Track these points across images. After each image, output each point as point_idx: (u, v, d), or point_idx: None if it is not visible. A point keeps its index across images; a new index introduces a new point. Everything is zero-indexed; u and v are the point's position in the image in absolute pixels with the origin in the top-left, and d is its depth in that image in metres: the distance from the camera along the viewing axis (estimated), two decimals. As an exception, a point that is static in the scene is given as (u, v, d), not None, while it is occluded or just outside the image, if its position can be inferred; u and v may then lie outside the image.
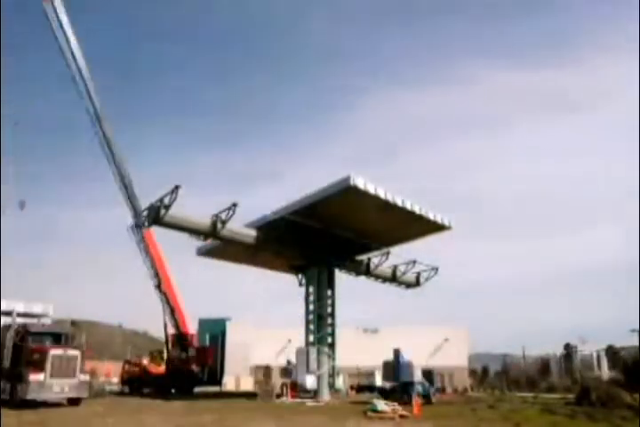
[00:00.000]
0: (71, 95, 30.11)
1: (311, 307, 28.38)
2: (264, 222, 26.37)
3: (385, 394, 22.65)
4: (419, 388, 22.66)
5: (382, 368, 25.74)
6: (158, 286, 31.76)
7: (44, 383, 16.81)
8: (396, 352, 24.70)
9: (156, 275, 31.69)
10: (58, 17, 29.73)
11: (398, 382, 23.24)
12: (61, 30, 29.82)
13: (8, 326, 18.93)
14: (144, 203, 25.88)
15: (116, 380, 35.16)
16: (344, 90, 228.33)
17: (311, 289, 28.70)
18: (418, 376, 23.95)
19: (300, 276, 30.29)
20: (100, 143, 29.98)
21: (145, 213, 23.82)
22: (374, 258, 31.04)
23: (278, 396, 24.52)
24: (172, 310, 32.26)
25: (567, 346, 66.33)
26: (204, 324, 44.72)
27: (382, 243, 30.14)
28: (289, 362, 29.85)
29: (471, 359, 55.89)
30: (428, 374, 24.88)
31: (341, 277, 30.92)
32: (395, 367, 24.08)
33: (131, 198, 30.31)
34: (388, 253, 30.24)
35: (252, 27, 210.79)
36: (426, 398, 22.07)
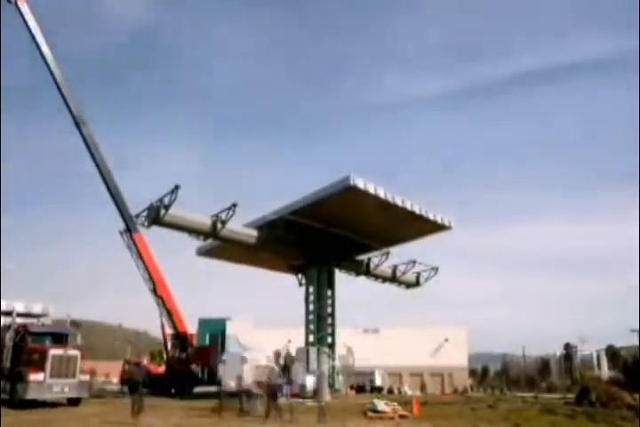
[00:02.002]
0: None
1: (311, 307, 28.35)
2: (264, 222, 26.36)
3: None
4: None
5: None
6: (154, 290, 31.64)
7: (43, 383, 16.79)
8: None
9: (150, 278, 31.55)
10: (26, 21, 29.61)
11: None
12: (31, 34, 29.66)
13: (8, 326, 18.88)
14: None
15: (115, 380, 35.18)
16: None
17: (311, 289, 28.66)
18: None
19: (300, 276, 30.25)
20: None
21: (144, 214, 23.78)
22: (374, 258, 31.01)
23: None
24: (169, 312, 32.13)
25: (567, 346, 66.20)
26: (203, 324, 44.68)
27: (382, 243, 30.11)
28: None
29: (471, 359, 55.82)
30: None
31: (341, 278, 30.91)
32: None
33: (118, 203, 29.98)
34: (387, 253, 30.21)
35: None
36: None
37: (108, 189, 30.07)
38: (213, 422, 14.32)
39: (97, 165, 30.14)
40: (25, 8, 29.89)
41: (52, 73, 29.86)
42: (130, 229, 29.85)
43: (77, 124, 29.81)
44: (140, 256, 31.20)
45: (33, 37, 29.81)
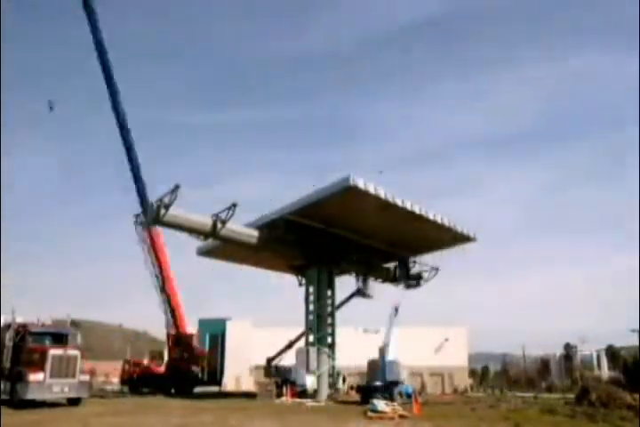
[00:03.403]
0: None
1: (311, 307, 28.31)
2: (264, 222, 26.34)
3: (368, 393, 21.82)
4: (403, 387, 22.08)
5: (367, 367, 25.10)
6: (162, 287, 31.54)
7: (43, 383, 16.80)
8: (381, 351, 24.26)
9: (160, 273, 31.45)
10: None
11: (384, 381, 22.57)
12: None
13: (8, 326, 18.89)
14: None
15: (115, 380, 35.21)
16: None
17: (311, 289, 28.63)
18: (404, 376, 23.36)
19: (299, 276, 30.24)
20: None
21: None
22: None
23: (278, 396, 24.52)
24: (173, 310, 32.15)
25: (567, 346, 66.16)
26: (203, 324, 44.71)
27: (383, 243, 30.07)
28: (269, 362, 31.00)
29: (471, 359, 55.79)
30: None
31: (341, 278, 30.82)
32: (380, 366, 23.47)
33: (140, 190, 25.77)
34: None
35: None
36: (410, 398, 20.82)
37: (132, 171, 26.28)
38: (215, 421, 14.32)
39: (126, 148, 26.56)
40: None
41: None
42: (148, 223, 26.87)
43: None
44: (154, 249, 30.82)
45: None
